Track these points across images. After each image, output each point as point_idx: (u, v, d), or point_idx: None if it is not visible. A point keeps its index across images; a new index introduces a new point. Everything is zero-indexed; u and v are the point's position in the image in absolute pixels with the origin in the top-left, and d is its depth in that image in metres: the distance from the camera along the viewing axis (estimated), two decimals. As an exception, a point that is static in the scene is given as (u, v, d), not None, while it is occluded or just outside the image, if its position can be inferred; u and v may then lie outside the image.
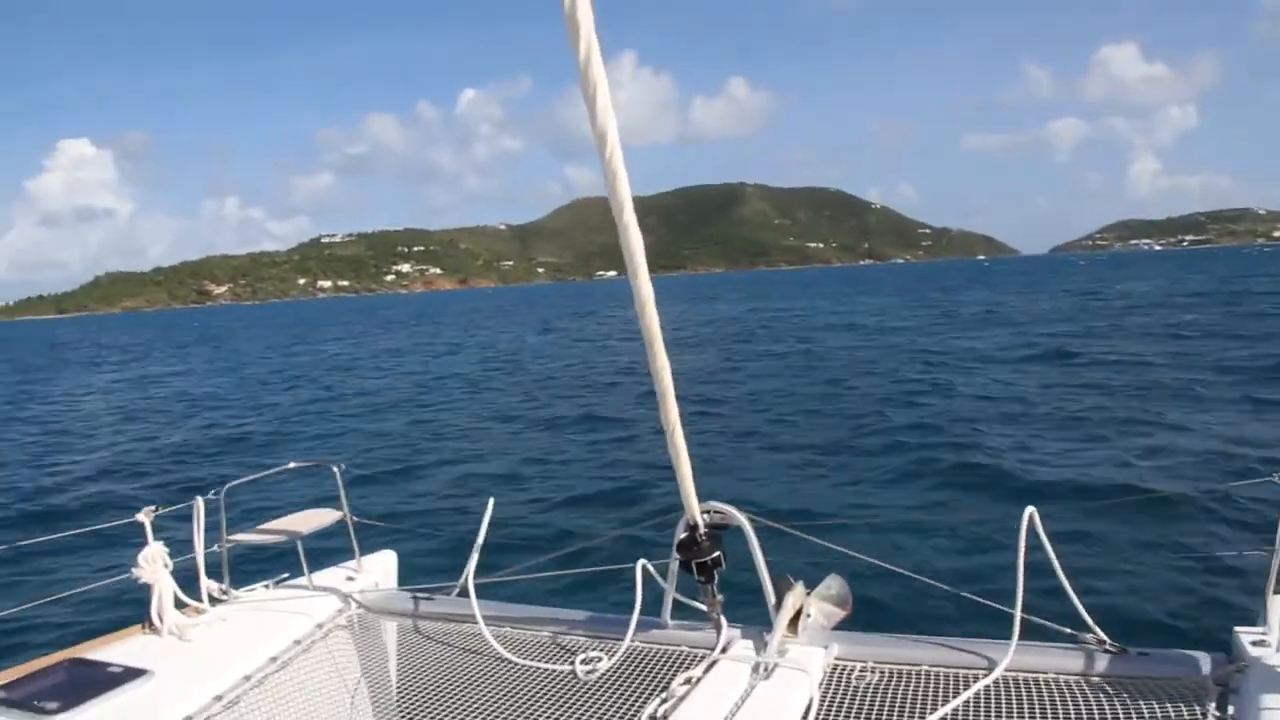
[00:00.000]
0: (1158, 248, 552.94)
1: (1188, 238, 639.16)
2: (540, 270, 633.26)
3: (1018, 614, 2.73)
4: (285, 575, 3.80)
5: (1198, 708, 2.45)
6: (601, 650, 3.08)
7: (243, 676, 3.00)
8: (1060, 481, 11.08)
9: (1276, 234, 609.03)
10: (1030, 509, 2.80)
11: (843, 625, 3.03)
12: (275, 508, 4.23)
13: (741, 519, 2.93)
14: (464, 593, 3.45)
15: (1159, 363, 21.64)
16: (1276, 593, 2.89)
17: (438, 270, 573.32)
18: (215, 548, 3.56)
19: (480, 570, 3.48)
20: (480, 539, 3.50)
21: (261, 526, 3.75)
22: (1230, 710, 2.45)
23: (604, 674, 2.94)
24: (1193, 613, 6.59)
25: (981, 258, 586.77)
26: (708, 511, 2.90)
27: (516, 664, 3.08)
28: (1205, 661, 2.66)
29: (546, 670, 3.03)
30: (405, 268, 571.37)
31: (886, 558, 3.50)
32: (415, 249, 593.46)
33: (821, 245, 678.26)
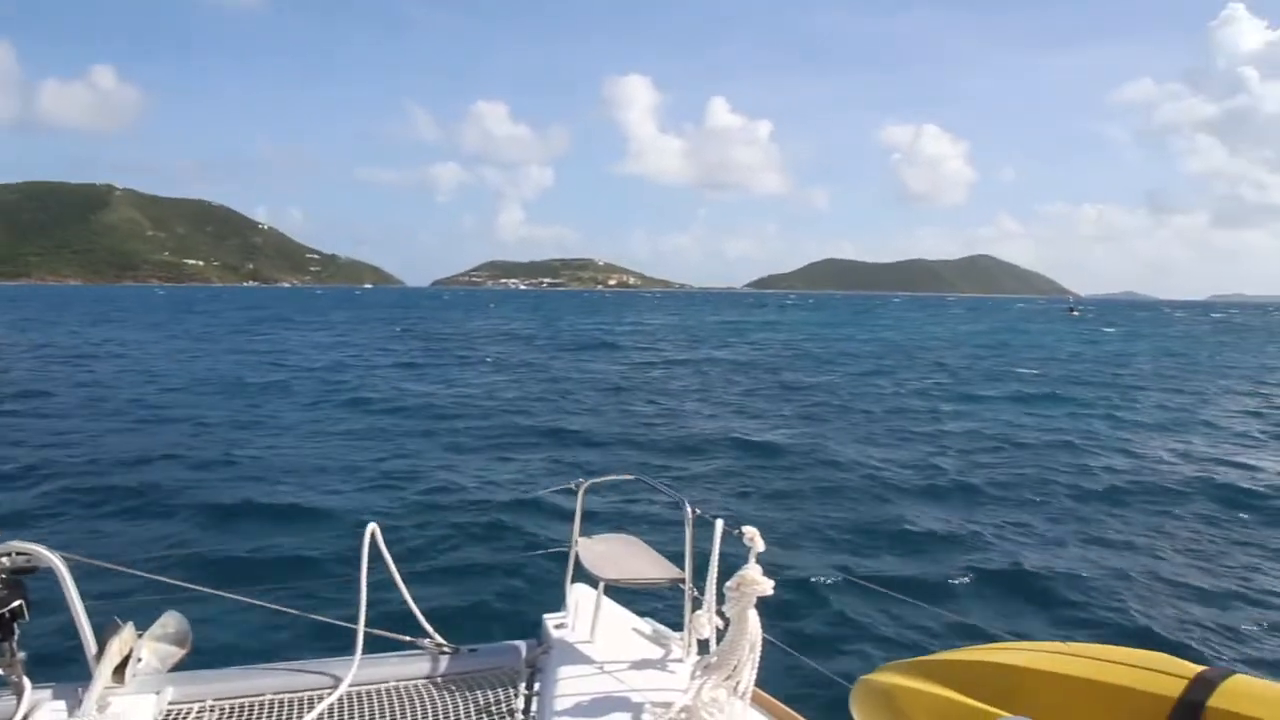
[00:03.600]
0: (523, 287, 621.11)
1: (546, 280, 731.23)
2: None
3: (360, 629, 2.79)
4: None
5: (512, 690, 2.80)
6: None
7: None
8: (384, 497, 11.53)
9: (612, 281, 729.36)
10: (372, 525, 2.84)
11: (184, 665, 2.80)
12: None
13: (53, 559, 2.53)
14: None
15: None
16: (574, 582, 3.34)
17: None
18: None
19: None
20: None
21: None
22: (536, 686, 2.81)
23: None
24: (519, 606, 7.38)
25: (368, 285, 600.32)
26: (7, 554, 2.46)
27: None
28: (523, 648, 3.01)
29: None
30: None
31: (231, 587, 3.30)
32: None
33: (202, 263, 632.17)
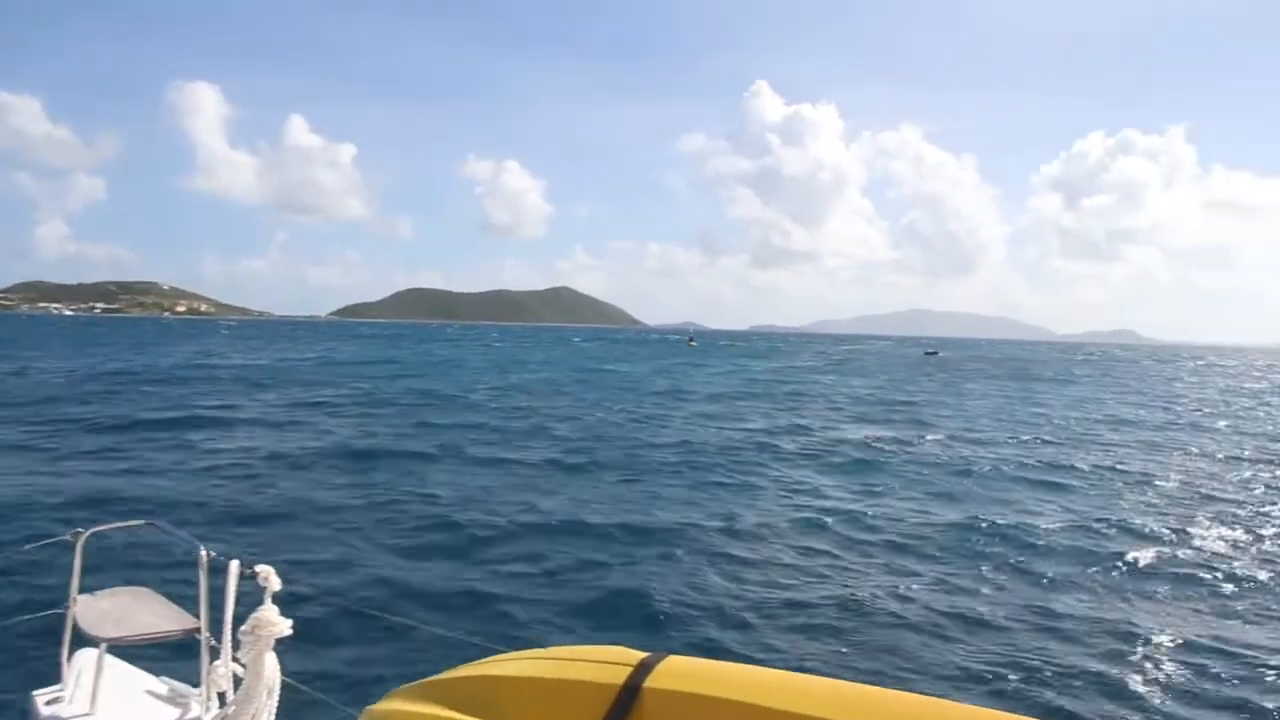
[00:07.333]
0: (69, 312, 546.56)
1: (100, 305, 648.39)
2: None
3: None
4: None
5: None
6: None
7: None
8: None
9: (180, 308, 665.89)
10: None
11: None
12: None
13: None
14: None
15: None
16: (73, 647, 3.05)
17: None
18: None
19: None
20: None
21: None
22: None
23: None
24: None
25: None
26: None
27: None
28: None
29: None
30: None
31: None
32: None
33: None
